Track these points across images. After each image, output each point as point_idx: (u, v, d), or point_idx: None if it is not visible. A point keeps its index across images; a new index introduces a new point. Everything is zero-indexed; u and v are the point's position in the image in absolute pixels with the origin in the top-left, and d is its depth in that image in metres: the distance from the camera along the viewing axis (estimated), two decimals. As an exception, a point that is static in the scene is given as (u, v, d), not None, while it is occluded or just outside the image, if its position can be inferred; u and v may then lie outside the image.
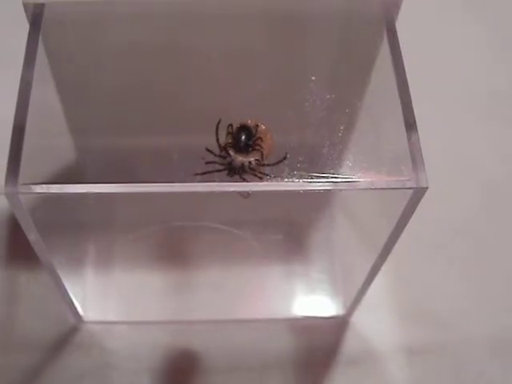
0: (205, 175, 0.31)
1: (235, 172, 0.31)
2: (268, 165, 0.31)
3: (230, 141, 0.32)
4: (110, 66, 0.35)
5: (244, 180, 0.31)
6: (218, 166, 0.31)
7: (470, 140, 0.51)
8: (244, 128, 0.32)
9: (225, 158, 0.32)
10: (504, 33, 0.56)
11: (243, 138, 0.32)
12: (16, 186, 0.27)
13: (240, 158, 0.31)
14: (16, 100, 0.29)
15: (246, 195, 0.30)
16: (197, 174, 0.30)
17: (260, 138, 0.32)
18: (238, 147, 0.32)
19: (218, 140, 0.32)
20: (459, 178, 0.49)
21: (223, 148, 0.32)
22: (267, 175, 0.31)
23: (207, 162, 0.31)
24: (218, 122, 0.32)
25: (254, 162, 0.31)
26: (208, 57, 0.34)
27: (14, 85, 0.30)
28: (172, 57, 0.34)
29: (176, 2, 0.32)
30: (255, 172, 0.31)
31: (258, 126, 0.32)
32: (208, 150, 0.31)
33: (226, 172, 0.31)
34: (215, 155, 0.32)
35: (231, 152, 0.32)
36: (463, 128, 0.51)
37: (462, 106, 0.52)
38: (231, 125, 0.32)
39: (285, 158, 0.31)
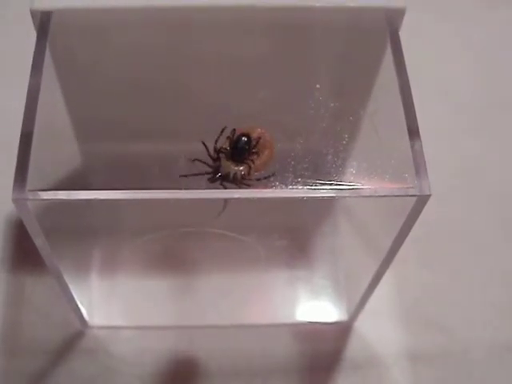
0: (193, 177, 0.31)
1: (217, 178, 0.31)
2: (251, 180, 0.31)
3: (226, 146, 0.32)
4: (116, 73, 0.35)
5: (224, 188, 0.31)
6: (206, 168, 0.31)
7: (473, 147, 0.51)
8: (244, 137, 0.32)
9: (215, 160, 0.32)
10: (506, 40, 0.56)
11: (239, 147, 0.32)
12: (24, 192, 0.28)
13: (228, 166, 0.31)
14: (23, 107, 0.30)
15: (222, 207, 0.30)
16: (182, 176, 0.30)
17: (257, 152, 0.32)
18: (231, 155, 0.32)
19: (216, 142, 0.32)
20: (463, 185, 0.49)
21: (217, 151, 0.32)
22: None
23: (196, 159, 0.31)
24: (223, 128, 0.32)
25: (239, 174, 0.31)
26: (214, 64, 0.34)
27: (21, 92, 0.31)
28: (178, 64, 0.34)
29: (183, 10, 0.32)
30: (238, 183, 0.31)
31: (260, 138, 0.32)
32: (204, 144, 0.32)
33: (210, 177, 0.31)
34: (208, 154, 0.32)
35: (222, 157, 0.31)
36: (466, 135, 0.51)
37: (465, 113, 0.52)
38: (235, 130, 0.32)
39: (271, 176, 0.31)
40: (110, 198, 0.29)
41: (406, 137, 0.30)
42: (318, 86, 0.34)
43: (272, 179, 0.31)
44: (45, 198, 0.28)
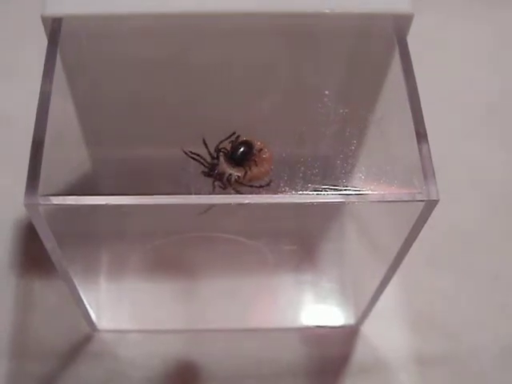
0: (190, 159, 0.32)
1: (212, 175, 0.32)
2: (244, 184, 0.32)
3: (227, 147, 0.32)
4: (125, 79, 0.35)
5: (214, 186, 0.32)
6: (203, 162, 0.32)
7: (482, 151, 0.51)
8: (246, 144, 0.32)
9: (213, 158, 0.32)
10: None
11: (239, 151, 0.32)
12: (35, 197, 0.28)
13: (224, 166, 0.32)
14: (35, 113, 0.30)
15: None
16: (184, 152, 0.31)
17: (255, 161, 0.32)
18: (230, 157, 0.32)
19: (219, 143, 0.32)
20: (471, 190, 0.49)
21: (218, 150, 0.32)
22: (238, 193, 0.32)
23: (197, 154, 0.32)
24: (232, 133, 0.32)
25: (233, 177, 0.32)
26: (221, 70, 0.34)
27: (32, 98, 0.31)
28: (186, 69, 0.35)
29: (190, 16, 0.32)
30: (230, 185, 0.32)
31: (261, 150, 0.32)
32: (204, 144, 0.32)
33: (204, 170, 0.32)
34: (208, 152, 0.32)
35: (220, 156, 0.32)
36: (475, 140, 0.51)
37: (473, 118, 0.52)
38: (239, 136, 0.32)
39: (267, 185, 0.31)
40: (120, 204, 0.29)
41: (414, 142, 0.30)
42: (326, 92, 0.34)
43: (277, 185, 0.31)
44: (56, 203, 0.28)
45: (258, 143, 0.32)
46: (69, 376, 0.42)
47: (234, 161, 0.32)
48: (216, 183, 0.32)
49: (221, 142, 0.32)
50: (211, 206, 0.30)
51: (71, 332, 0.43)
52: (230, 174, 0.32)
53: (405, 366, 0.43)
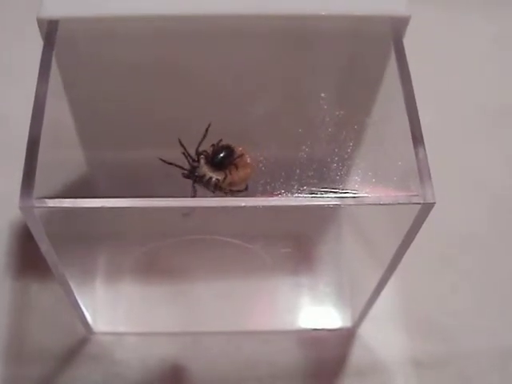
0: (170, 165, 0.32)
1: (191, 177, 0.32)
2: (223, 189, 0.32)
3: (207, 151, 0.33)
4: (122, 82, 0.35)
5: (194, 188, 0.32)
6: (183, 164, 0.32)
7: (479, 154, 0.51)
8: (227, 149, 0.32)
9: (193, 161, 0.32)
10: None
11: (220, 155, 0.32)
12: (31, 200, 0.28)
13: (204, 169, 0.32)
14: (30, 115, 0.30)
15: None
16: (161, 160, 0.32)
17: (236, 166, 0.32)
18: (210, 160, 0.32)
19: (199, 144, 0.33)
20: (468, 192, 0.49)
21: (198, 153, 0.32)
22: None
23: (183, 152, 0.32)
24: (207, 128, 0.32)
25: (213, 181, 0.32)
26: (219, 73, 0.34)
27: (27, 100, 0.31)
28: (183, 72, 0.34)
29: (187, 18, 0.32)
30: (208, 188, 0.32)
31: (242, 155, 0.32)
32: (191, 146, 0.32)
33: (184, 172, 0.32)
34: (189, 154, 0.32)
35: (201, 159, 0.32)
36: (471, 142, 0.51)
37: (470, 120, 0.52)
38: (221, 140, 0.33)
39: (244, 190, 0.32)
40: (116, 206, 0.29)
41: (411, 144, 0.30)
42: (322, 94, 0.34)
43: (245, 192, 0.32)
44: (51, 205, 0.28)
45: (240, 149, 0.32)
46: (65, 379, 0.42)
47: (214, 164, 0.32)
48: (194, 185, 0.32)
49: (200, 141, 0.32)
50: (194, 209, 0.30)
51: (67, 335, 0.43)
52: (210, 177, 0.32)
53: (402, 369, 0.43)
